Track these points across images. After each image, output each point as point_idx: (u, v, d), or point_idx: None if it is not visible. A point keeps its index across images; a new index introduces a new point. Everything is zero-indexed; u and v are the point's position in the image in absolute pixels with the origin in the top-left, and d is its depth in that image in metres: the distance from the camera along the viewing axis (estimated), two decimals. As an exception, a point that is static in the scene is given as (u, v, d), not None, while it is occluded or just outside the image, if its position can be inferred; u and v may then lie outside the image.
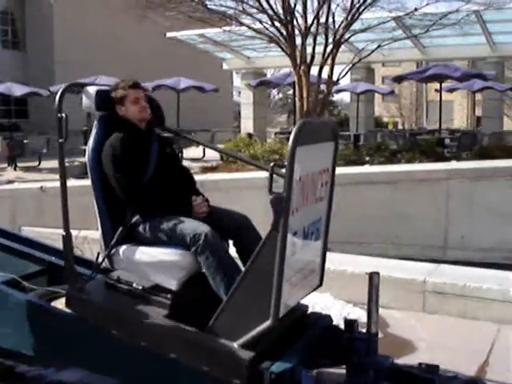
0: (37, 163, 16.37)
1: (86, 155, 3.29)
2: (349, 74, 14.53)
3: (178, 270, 3.06)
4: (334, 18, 12.26)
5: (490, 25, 17.17)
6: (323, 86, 14.25)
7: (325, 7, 11.84)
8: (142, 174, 3.20)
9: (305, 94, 11.97)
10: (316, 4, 12.03)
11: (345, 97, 35.27)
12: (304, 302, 3.35)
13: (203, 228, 3.01)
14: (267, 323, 2.75)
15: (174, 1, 12.54)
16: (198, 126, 22.43)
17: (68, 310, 3.26)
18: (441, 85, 16.83)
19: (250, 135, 16.40)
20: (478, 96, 40.65)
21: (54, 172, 10.02)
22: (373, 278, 3.06)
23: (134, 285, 3.22)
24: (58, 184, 3.28)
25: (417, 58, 22.26)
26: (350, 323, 3.27)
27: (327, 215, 3.26)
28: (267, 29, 12.26)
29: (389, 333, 4.65)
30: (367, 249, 6.28)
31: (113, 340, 3.10)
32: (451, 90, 20.24)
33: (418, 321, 4.88)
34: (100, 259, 3.27)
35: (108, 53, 26.96)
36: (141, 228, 3.17)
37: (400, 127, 38.36)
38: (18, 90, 19.82)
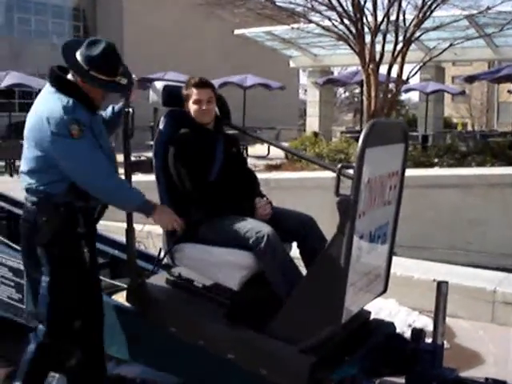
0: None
1: (153, 151, 3.29)
2: (418, 73, 14.17)
3: (239, 269, 3.03)
4: (404, 15, 11.96)
5: None
6: (391, 85, 13.94)
7: (395, 4, 11.56)
8: (206, 173, 3.18)
9: (373, 93, 11.71)
10: (386, 1, 11.79)
11: (413, 96, 34.51)
12: (368, 307, 3.24)
13: (266, 229, 2.95)
14: (329, 328, 2.68)
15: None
16: (263, 124, 22.43)
17: (128, 305, 3.27)
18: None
19: (315, 134, 16.25)
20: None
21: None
22: (441, 287, 2.94)
23: (195, 283, 3.21)
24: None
25: (489, 58, 21.49)
26: (418, 333, 3.15)
27: (395, 219, 3.16)
28: (336, 26, 12.08)
29: (455, 343, 4.47)
30: (435, 254, 6.07)
31: (171, 337, 3.09)
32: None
33: (486, 332, 4.67)
34: (162, 255, 3.26)
35: (175, 49, 27.28)
36: (204, 226, 3.13)
37: (470, 129, 37.26)
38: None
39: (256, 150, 16.44)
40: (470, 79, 17.64)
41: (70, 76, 2.94)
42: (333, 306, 2.65)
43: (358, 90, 51.68)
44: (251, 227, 2.99)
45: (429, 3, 11.55)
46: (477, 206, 6.66)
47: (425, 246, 6.34)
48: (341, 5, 11.44)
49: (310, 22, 12.32)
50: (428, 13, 11.51)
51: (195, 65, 20.48)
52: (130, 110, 3.08)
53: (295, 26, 13.02)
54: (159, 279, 3.34)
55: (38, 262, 2.93)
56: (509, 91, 20.16)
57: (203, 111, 3.25)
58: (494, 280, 5.08)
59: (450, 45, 12.71)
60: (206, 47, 29.07)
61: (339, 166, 2.60)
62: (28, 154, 2.95)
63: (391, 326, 3.30)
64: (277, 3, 12.02)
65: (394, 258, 3.26)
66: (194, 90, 3.25)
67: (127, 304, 3.27)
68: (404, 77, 12.64)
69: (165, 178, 3.23)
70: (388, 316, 4.71)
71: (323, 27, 12.23)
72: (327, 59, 21.65)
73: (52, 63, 3.06)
